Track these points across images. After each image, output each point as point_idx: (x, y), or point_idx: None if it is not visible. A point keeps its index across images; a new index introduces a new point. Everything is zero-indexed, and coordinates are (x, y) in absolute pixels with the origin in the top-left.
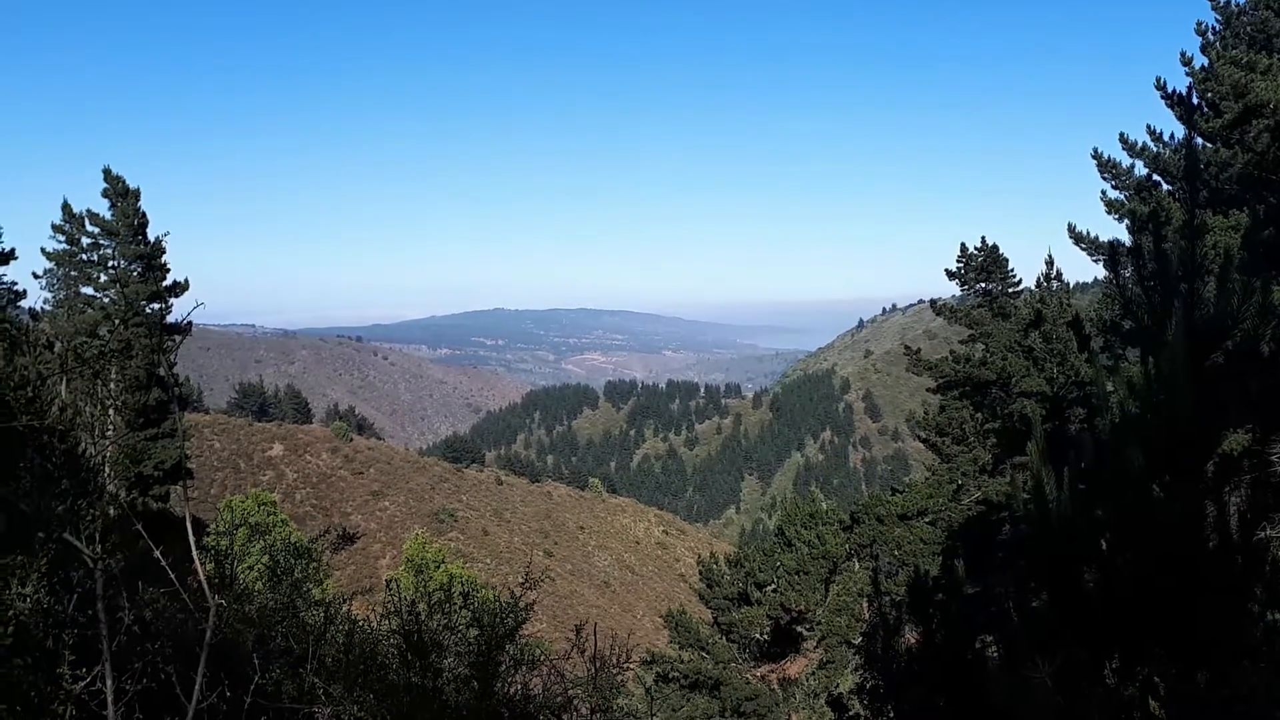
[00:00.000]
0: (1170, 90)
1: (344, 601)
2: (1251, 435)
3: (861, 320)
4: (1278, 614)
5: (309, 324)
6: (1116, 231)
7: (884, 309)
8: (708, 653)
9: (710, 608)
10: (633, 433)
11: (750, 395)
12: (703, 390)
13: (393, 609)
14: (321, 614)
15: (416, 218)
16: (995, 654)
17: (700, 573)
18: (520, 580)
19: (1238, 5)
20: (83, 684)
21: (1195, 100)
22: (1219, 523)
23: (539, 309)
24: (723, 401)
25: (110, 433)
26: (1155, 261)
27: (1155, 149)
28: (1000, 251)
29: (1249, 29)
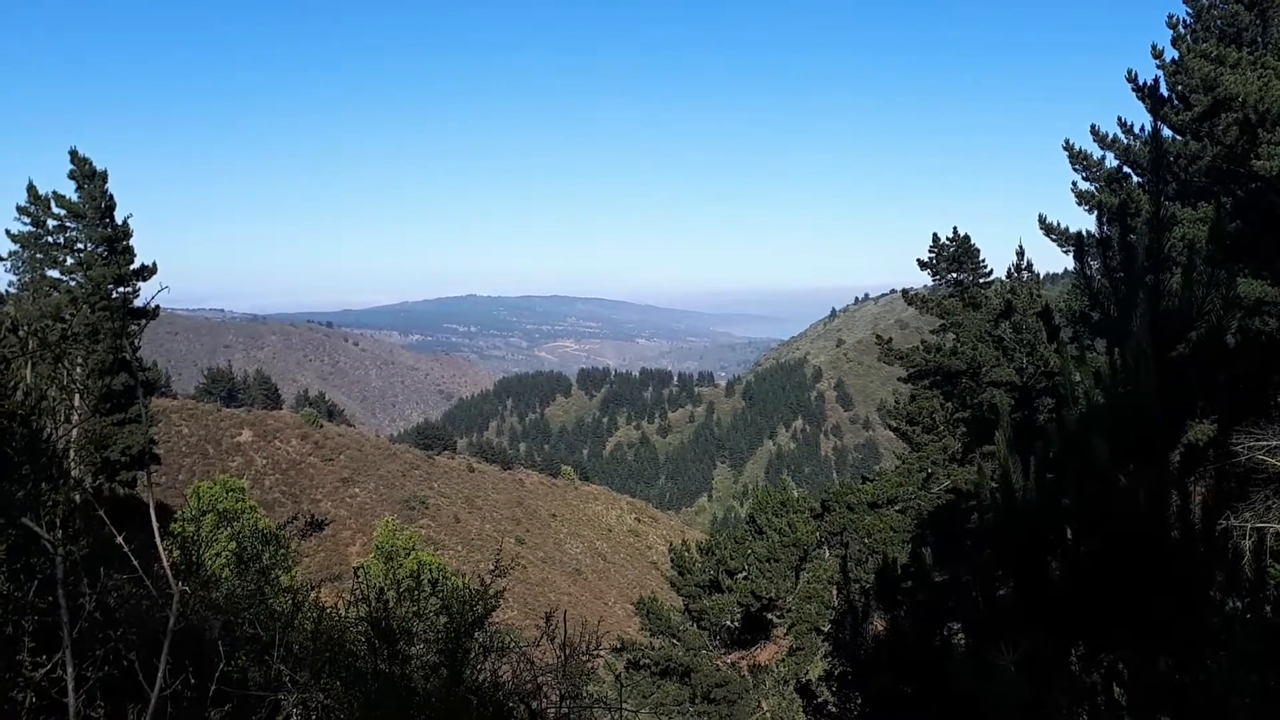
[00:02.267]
0: (1141, 83)
1: (312, 588)
2: (1216, 426)
3: (834, 309)
4: (1238, 602)
5: (279, 309)
6: (1088, 223)
7: (856, 298)
8: (679, 640)
9: (682, 595)
10: (605, 420)
11: (723, 383)
12: (676, 378)
13: (361, 596)
14: (289, 601)
15: (389, 203)
16: (962, 641)
17: (672, 560)
18: (491, 567)
19: None
20: (43, 671)
21: (1165, 93)
22: (1182, 512)
23: (512, 296)
24: (696, 389)
25: (75, 417)
26: (1121, 253)
27: (1126, 141)
28: (971, 242)
29: (1219, 22)
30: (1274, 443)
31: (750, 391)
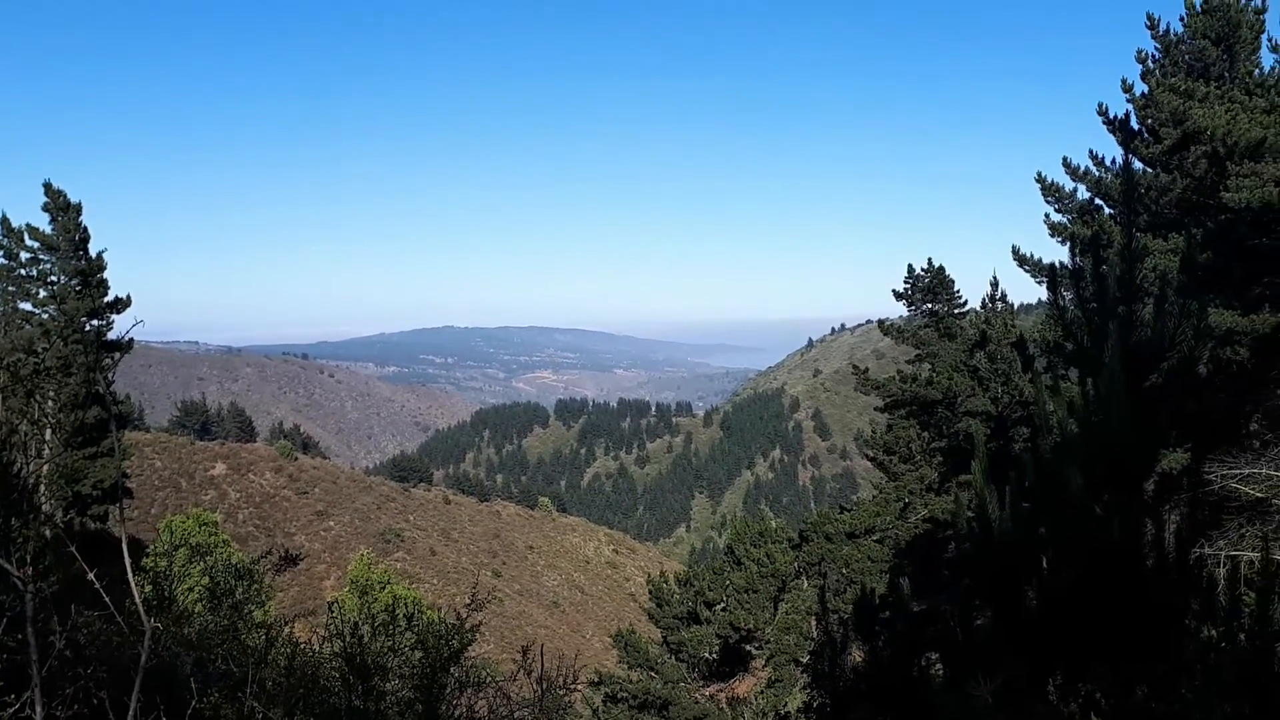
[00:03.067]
0: (1112, 116)
1: (286, 623)
2: (1189, 454)
3: (811, 340)
4: (1213, 630)
5: (254, 341)
6: (1060, 254)
7: (833, 329)
8: (656, 672)
9: (660, 627)
10: (583, 451)
11: (701, 414)
12: (654, 408)
13: (335, 631)
14: (263, 637)
15: (366, 234)
16: (940, 671)
17: (650, 592)
18: (467, 601)
19: (1176, 34)
20: (11, 710)
21: (1136, 126)
22: (1156, 541)
23: (489, 327)
24: (674, 420)
25: (46, 451)
26: (1094, 284)
27: (1097, 173)
28: (946, 273)
29: (1187, 57)
30: (1246, 471)
31: (728, 422)
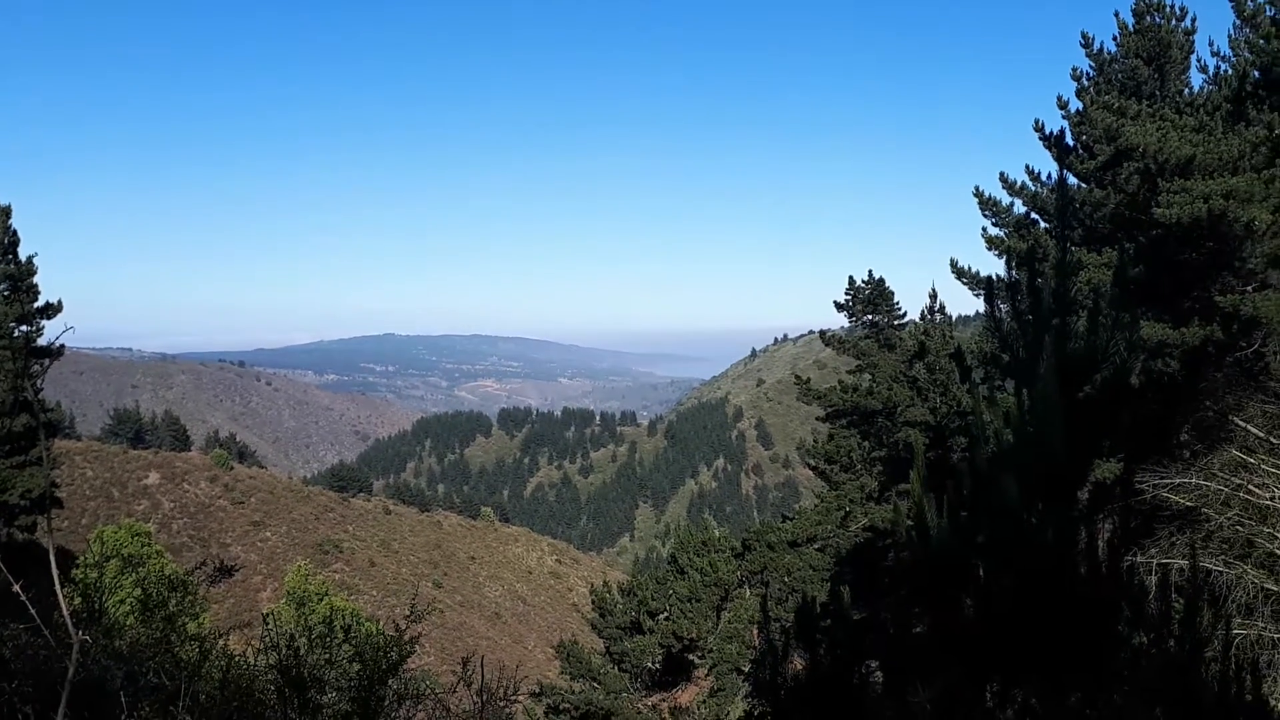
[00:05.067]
0: (1048, 132)
1: (220, 636)
2: (1122, 465)
3: (755, 350)
4: (1143, 637)
5: (190, 348)
6: (998, 267)
7: (776, 339)
8: (599, 683)
9: (602, 637)
10: (527, 460)
11: (645, 423)
12: (598, 418)
13: (270, 643)
14: (196, 649)
15: (306, 240)
16: (880, 679)
17: (593, 602)
18: (406, 612)
19: (1110, 53)
20: None
21: (1071, 142)
22: (1089, 550)
23: (432, 335)
24: (618, 429)
25: None
26: (1029, 297)
27: (1033, 188)
28: (886, 285)
29: (1120, 75)
30: (1177, 480)
31: (672, 431)
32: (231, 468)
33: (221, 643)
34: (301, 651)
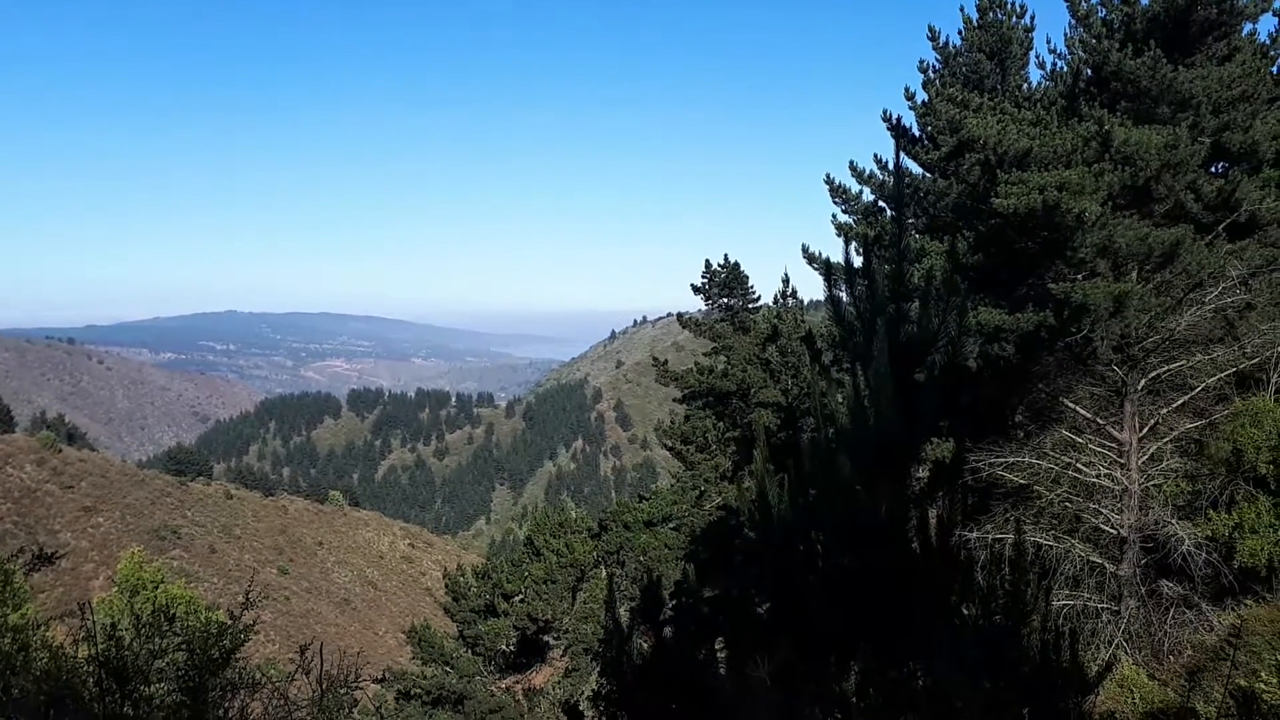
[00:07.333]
0: (896, 122)
1: (39, 626)
2: (956, 444)
3: (614, 331)
4: (973, 609)
5: (13, 323)
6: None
7: (635, 321)
8: (452, 667)
9: (456, 621)
10: (378, 443)
11: (503, 404)
12: (454, 399)
13: (88, 634)
14: (14, 641)
15: (141, 207)
16: (725, 655)
17: (446, 586)
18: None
19: (955, 47)
20: None
21: (916, 132)
22: (921, 526)
23: (277, 312)
24: (475, 411)
25: None
26: (866, 281)
27: (881, 177)
28: (741, 269)
29: (964, 69)
30: (1011, 459)
31: (530, 412)
32: (60, 450)
33: (42, 633)
34: (128, 641)
